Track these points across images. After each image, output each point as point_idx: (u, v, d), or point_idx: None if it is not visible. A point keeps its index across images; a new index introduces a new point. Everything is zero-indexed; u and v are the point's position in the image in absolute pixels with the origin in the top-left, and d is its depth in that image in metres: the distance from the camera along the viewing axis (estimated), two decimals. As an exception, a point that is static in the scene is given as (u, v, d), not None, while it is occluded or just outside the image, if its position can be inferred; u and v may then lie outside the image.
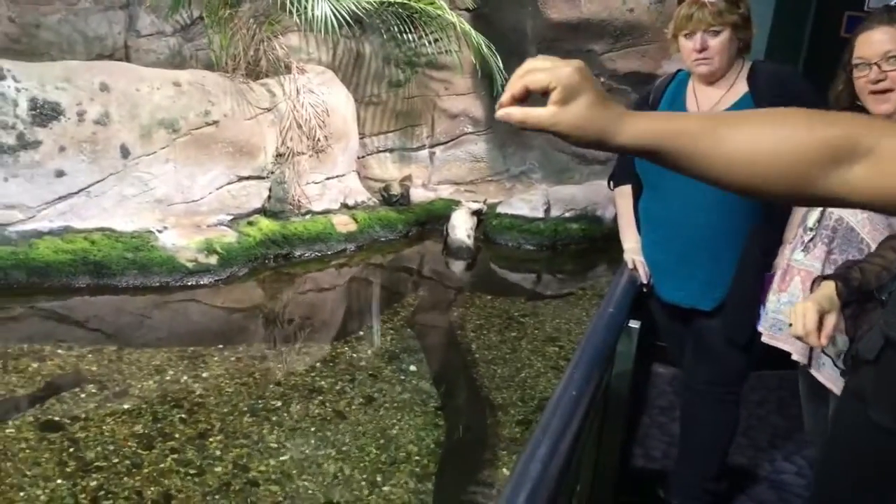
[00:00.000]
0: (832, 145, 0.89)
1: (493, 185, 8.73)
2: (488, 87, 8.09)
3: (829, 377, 2.23)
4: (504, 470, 3.83)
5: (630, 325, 2.70)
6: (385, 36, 7.87)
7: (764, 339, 2.50)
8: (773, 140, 0.91)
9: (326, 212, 7.04)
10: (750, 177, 0.92)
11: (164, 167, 5.99)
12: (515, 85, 0.97)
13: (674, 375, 4.18)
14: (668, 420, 3.82)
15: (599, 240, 7.63)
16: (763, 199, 1.01)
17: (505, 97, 0.98)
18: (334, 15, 6.25)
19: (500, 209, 7.71)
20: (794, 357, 2.36)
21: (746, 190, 0.95)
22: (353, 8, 6.43)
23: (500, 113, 0.99)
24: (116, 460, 3.63)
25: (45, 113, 5.50)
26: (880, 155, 0.87)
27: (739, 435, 3.67)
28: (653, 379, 4.26)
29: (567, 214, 7.65)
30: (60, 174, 5.60)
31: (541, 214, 7.59)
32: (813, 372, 2.31)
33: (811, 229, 2.33)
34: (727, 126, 0.94)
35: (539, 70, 0.95)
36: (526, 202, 7.71)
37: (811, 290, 2.10)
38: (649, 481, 3.24)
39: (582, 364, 2.01)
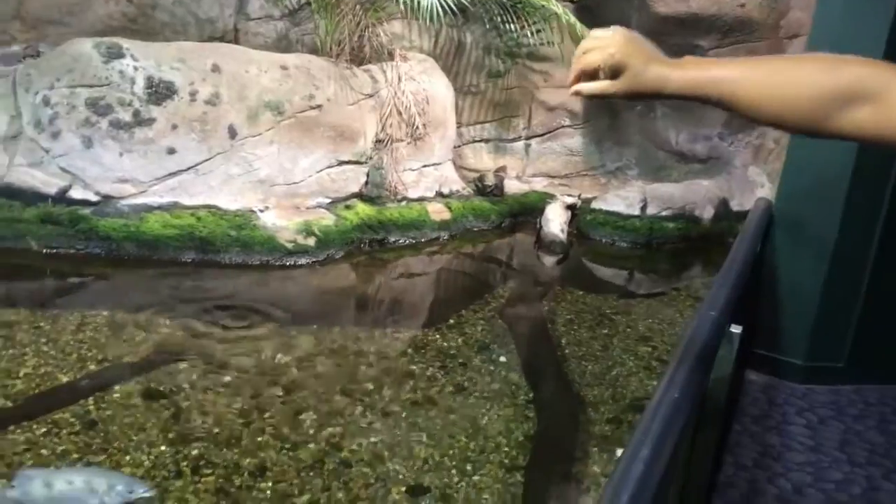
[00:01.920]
0: (843, 88, 1.03)
1: (587, 180, 8.64)
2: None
3: None
4: (595, 467, 3.80)
5: (731, 329, 2.64)
6: (487, 25, 7.87)
7: None
8: (794, 83, 1.08)
9: (421, 199, 7.09)
10: (776, 114, 1.10)
11: (268, 149, 6.14)
12: (574, 69, 1.27)
13: (767, 383, 4.06)
14: (761, 430, 3.71)
15: (696, 240, 7.46)
16: (787, 132, 1.30)
17: (570, 79, 1.29)
18: (439, 4, 6.27)
19: (595, 204, 7.62)
20: None
21: (773, 124, 1.14)
22: (459, -3, 6.44)
23: (571, 90, 1.30)
24: (216, 431, 3.74)
25: (159, 91, 5.71)
26: (884, 100, 1.00)
27: (835, 450, 3.55)
28: (746, 386, 4.14)
29: (664, 213, 7.50)
30: (172, 151, 5.80)
31: (637, 212, 7.47)
32: None
33: None
34: (757, 71, 1.12)
35: (591, 51, 1.23)
36: (622, 199, 7.60)
37: None
38: (740, 490, 3.16)
39: (683, 366, 1.97)
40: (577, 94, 1.29)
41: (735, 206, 7.81)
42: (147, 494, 2.99)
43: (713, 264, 6.97)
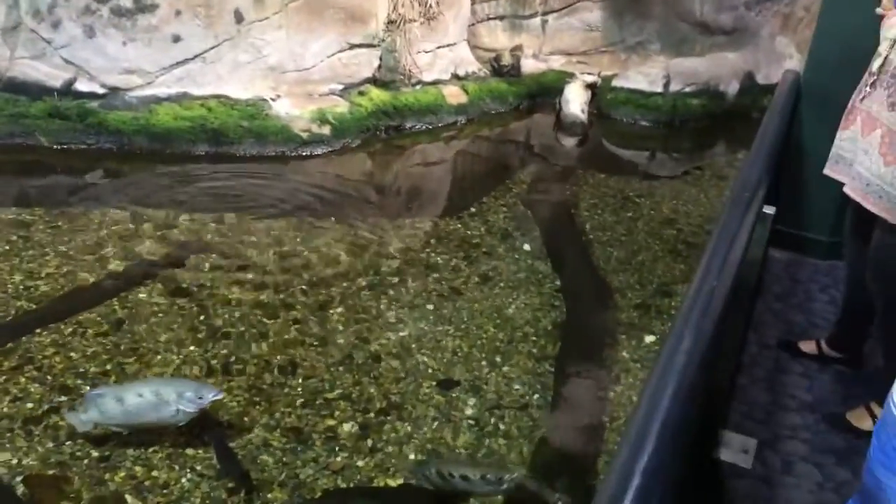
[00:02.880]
0: None
1: (607, 57, 8.30)
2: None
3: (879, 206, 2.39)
4: (623, 353, 3.79)
5: (765, 210, 2.55)
6: None
7: (825, 170, 2.72)
8: None
9: (437, 82, 6.86)
10: None
11: (276, 33, 5.89)
12: None
13: (790, 260, 3.98)
14: (784, 307, 3.64)
15: (720, 116, 7.25)
16: None
17: None
18: None
19: (616, 82, 7.36)
20: (847, 190, 2.54)
21: None
22: None
23: None
24: (243, 328, 3.73)
25: (166, -26, 5.44)
26: None
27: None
28: (769, 264, 4.06)
29: (687, 89, 7.25)
30: (177, 39, 5.58)
31: (659, 89, 7.22)
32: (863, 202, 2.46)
33: (873, 73, 2.46)
34: None
35: None
36: (644, 75, 7.33)
37: None
38: (765, 368, 3.13)
39: (719, 253, 1.91)
40: None
41: (761, 79, 7.54)
42: (218, 397, 2.96)
43: (738, 141, 6.79)
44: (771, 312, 3.61)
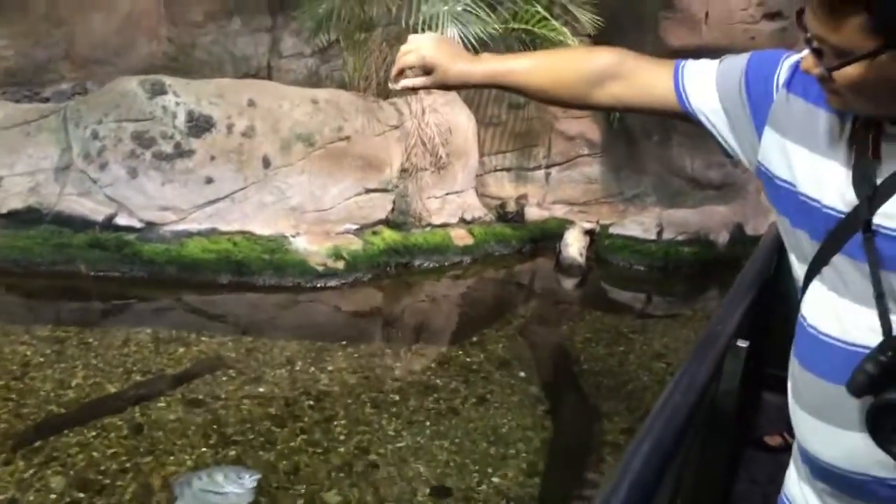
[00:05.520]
0: (599, 71, 1.37)
1: (606, 207, 8.86)
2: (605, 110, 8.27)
3: None
4: (609, 473, 4.02)
5: (738, 343, 2.82)
6: (507, 60, 8.16)
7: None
8: (564, 69, 1.42)
9: (445, 225, 7.37)
10: (554, 93, 1.43)
11: (299, 178, 6.48)
12: (395, 67, 1.49)
13: (783, 403, 4.23)
14: (777, 447, 3.88)
15: (711, 264, 7.65)
16: (564, 107, 1.54)
17: (393, 75, 1.50)
18: (462, 39, 6.59)
19: (612, 230, 7.85)
20: None
21: (552, 102, 1.47)
22: (479, 33, 6.77)
23: (397, 86, 1.52)
24: (252, 436, 4.04)
25: (199, 125, 6.10)
26: (633, 78, 1.35)
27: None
28: (763, 406, 4.32)
29: (679, 238, 7.71)
30: (210, 181, 6.17)
31: (653, 236, 7.69)
32: None
33: None
34: (539, 62, 1.46)
35: (407, 53, 1.45)
36: (639, 224, 7.83)
37: None
38: (751, 502, 3.32)
39: (687, 374, 2.16)
40: (401, 87, 1.52)
41: (750, 230, 8.00)
42: (256, 477, 3.46)
43: (727, 286, 7.09)
44: (763, 451, 3.85)
